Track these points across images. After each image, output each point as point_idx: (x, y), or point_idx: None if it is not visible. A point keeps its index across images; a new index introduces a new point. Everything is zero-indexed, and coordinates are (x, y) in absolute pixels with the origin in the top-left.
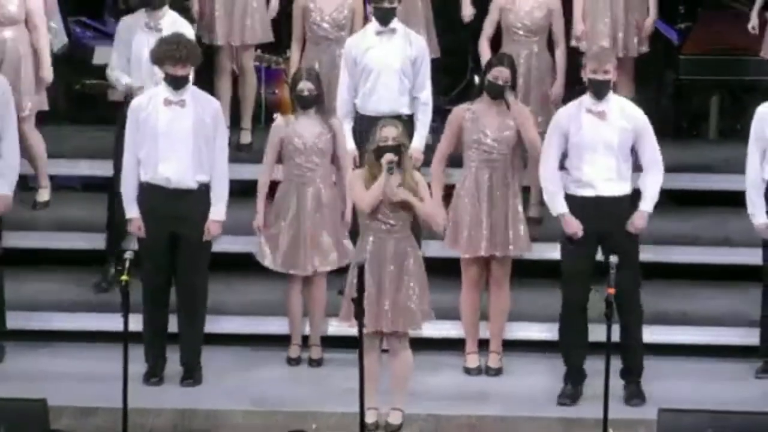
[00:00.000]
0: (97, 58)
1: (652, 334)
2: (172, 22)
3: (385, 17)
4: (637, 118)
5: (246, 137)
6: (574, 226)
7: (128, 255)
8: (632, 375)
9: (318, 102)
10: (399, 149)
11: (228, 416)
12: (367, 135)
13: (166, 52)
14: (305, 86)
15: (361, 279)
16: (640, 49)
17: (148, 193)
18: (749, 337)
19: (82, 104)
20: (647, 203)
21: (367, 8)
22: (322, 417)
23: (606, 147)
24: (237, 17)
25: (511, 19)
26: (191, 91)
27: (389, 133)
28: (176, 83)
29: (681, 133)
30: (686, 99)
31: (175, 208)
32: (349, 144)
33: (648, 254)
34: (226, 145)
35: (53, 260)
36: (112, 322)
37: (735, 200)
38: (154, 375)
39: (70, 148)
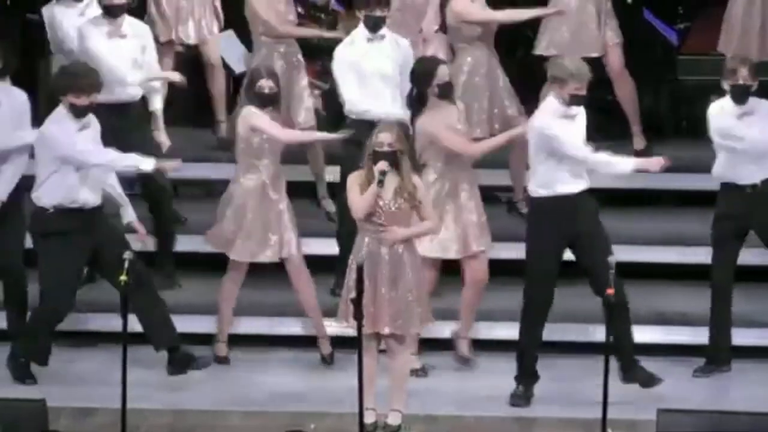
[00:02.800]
0: None
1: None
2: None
3: (375, 25)
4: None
5: (223, 130)
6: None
7: (128, 255)
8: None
9: (276, 101)
10: (395, 155)
11: (227, 417)
12: (362, 140)
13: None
14: (266, 84)
15: (360, 279)
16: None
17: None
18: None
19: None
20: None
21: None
22: (320, 417)
23: None
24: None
25: None
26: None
27: (385, 138)
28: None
29: (680, 133)
30: (685, 99)
31: None
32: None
33: (649, 254)
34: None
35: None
36: (111, 322)
37: None
38: None
39: None
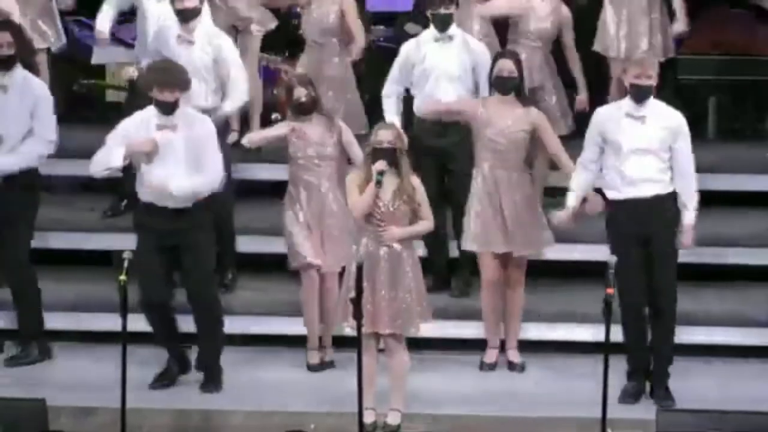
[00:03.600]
0: (96, 58)
1: None
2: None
3: (442, 23)
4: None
5: (233, 137)
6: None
7: (127, 255)
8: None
9: (316, 107)
10: (394, 153)
11: (227, 417)
12: (421, 138)
13: (155, 78)
14: (300, 93)
15: (359, 279)
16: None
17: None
18: (750, 337)
19: (81, 104)
20: (690, 214)
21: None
22: (320, 417)
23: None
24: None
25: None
26: (183, 114)
27: (384, 136)
28: (165, 108)
29: None
30: (685, 99)
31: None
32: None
33: None
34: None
35: (53, 260)
36: (111, 322)
37: (735, 200)
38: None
39: (68, 148)
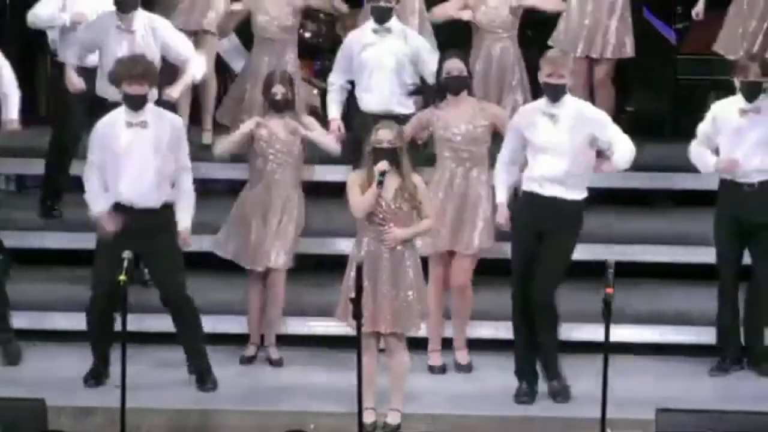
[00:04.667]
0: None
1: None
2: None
3: (381, 16)
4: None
5: (207, 138)
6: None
7: (126, 254)
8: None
9: (290, 107)
10: (395, 152)
11: (225, 417)
12: (363, 131)
13: (123, 71)
14: (278, 90)
15: (359, 279)
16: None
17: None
18: None
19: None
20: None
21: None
22: (320, 417)
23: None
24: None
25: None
26: (152, 110)
27: (384, 136)
28: (133, 103)
29: (679, 132)
30: (685, 99)
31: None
32: (331, 112)
33: (650, 254)
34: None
35: (52, 260)
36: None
37: None
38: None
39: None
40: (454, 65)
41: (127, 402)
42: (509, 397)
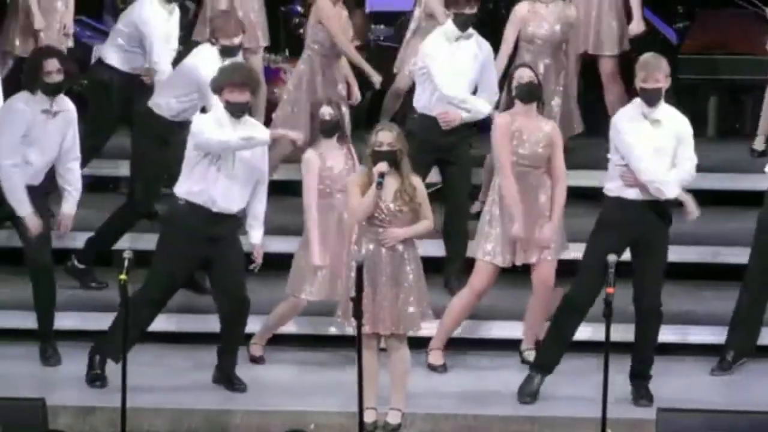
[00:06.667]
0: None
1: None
2: None
3: (465, 24)
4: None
5: None
6: None
7: (127, 254)
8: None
9: (339, 128)
10: (394, 154)
11: (227, 416)
12: (429, 134)
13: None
14: (326, 111)
15: (360, 278)
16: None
17: None
18: None
19: (82, 104)
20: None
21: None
22: (320, 417)
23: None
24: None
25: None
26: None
27: (384, 138)
28: (234, 110)
29: None
30: (685, 99)
31: None
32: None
33: None
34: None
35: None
36: (111, 322)
37: (734, 200)
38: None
39: None
40: (525, 73)
41: (127, 402)
42: (511, 397)
